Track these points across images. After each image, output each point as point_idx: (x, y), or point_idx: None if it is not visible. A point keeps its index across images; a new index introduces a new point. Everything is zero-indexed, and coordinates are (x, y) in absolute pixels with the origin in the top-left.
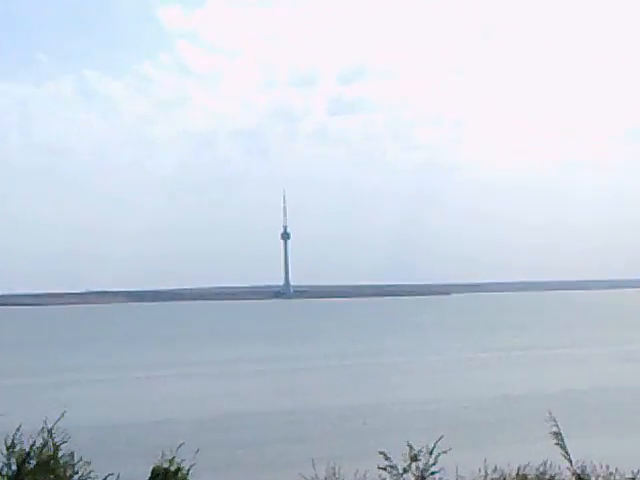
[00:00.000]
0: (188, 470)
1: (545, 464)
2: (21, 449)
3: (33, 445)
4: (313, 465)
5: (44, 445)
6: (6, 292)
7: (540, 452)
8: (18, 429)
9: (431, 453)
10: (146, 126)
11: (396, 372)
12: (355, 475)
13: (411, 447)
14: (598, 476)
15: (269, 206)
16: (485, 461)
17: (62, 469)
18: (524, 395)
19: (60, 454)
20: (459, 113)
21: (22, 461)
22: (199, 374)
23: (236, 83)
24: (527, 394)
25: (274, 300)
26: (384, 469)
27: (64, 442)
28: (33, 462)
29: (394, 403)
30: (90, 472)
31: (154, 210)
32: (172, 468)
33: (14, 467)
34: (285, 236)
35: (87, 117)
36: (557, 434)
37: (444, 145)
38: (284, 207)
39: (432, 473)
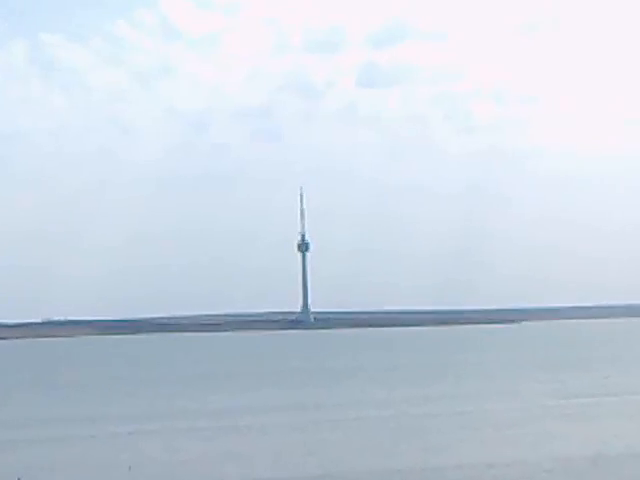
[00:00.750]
0: None
1: None
2: None
3: None
4: None
5: None
6: None
7: None
8: None
9: None
10: (121, 104)
11: (452, 426)
12: None
13: None
14: None
15: (282, 208)
16: None
17: None
18: (622, 455)
19: None
20: (529, 85)
21: None
22: (193, 429)
23: (237, 49)
24: (625, 453)
25: (288, 331)
26: None
27: None
28: None
29: (449, 467)
30: None
31: (131, 214)
32: None
33: None
34: (303, 247)
35: (44, 93)
36: None
37: (510, 127)
38: (302, 209)
39: None
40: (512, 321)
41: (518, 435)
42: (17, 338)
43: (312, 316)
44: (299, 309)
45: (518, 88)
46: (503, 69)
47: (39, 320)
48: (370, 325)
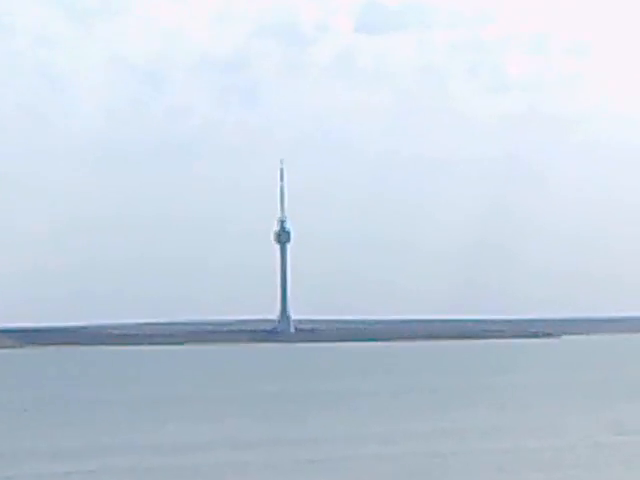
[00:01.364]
0: None
1: None
2: None
3: None
4: None
5: None
6: None
7: None
8: None
9: None
10: (51, 52)
11: (476, 468)
12: None
13: None
14: None
15: (257, 187)
16: None
17: None
18: None
19: None
20: (577, 32)
21: None
22: (141, 469)
23: None
24: None
25: (263, 344)
26: None
27: None
28: None
29: None
30: None
31: (63, 195)
32: None
33: None
34: (283, 237)
35: None
36: None
37: (552, 85)
38: (281, 187)
39: None
40: (550, 334)
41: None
42: None
43: (293, 325)
44: (276, 316)
45: (563, 35)
46: (544, 10)
47: None
48: (367, 338)
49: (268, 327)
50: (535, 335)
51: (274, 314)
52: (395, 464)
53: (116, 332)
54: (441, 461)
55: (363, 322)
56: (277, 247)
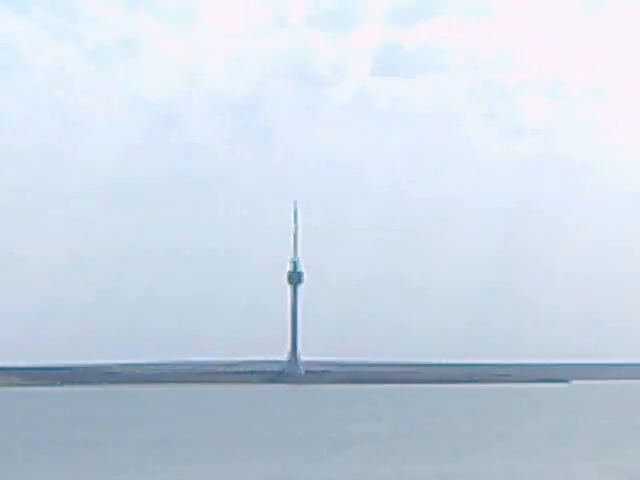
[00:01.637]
0: None
1: None
2: None
3: None
4: None
5: None
6: None
7: None
8: None
9: None
10: (68, 90)
11: None
12: None
13: None
14: None
15: (270, 227)
16: None
17: None
18: None
19: None
20: (594, 77)
21: None
22: None
23: (220, 22)
24: None
25: (272, 385)
26: None
27: None
28: None
29: None
30: None
31: (76, 231)
32: None
33: None
34: (295, 277)
35: None
36: None
37: (567, 129)
38: (295, 229)
39: None
40: (560, 380)
41: None
42: None
43: (302, 367)
44: (286, 358)
45: (580, 80)
46: (561, 55)
47: None
48: (377, 381)
49: (278, 368)
50: (545, 380)
51: (284, 356)
52: None
53: (124, 371)
54: None
55: (373, 365)
56: (289, 288)
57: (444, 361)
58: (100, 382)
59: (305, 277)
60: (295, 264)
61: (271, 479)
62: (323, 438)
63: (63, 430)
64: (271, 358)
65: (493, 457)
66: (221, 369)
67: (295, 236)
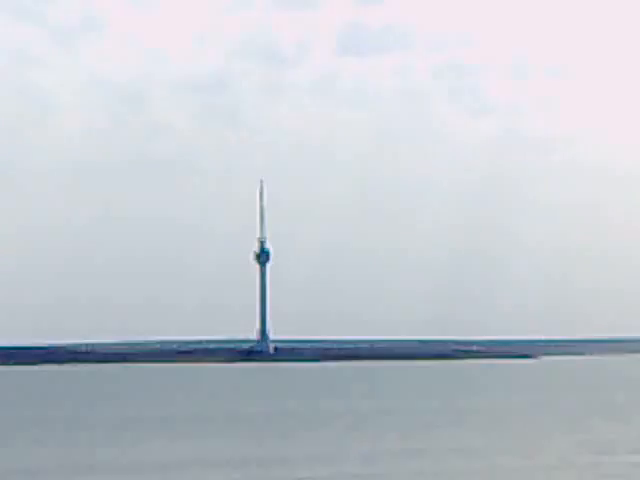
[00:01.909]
0: None
1: None
2: None
3: None
4: None
5: None
6: None
7: None
8: None
9: None
10: (31, 71)
11: None
12: None
13: None
14: None
15: (236, 206)
16: None
17: None
18: None
19: None
20: (557, 55)
21: None
22: None
23: (184, 0)
24: None
25: (241, 364)
26: None
27: None
28: None
29: None
30: None
31: (40, 210)
32: None
33: None
34: (262, 257)
35: None
36: None
37: (532, 108)
38: (261, 207)
39: None
40: (528, 356)
41: None
42: None
43: (272, 345)
44: (255, 336)
45: (542, 58)
46: (523, 34)
47: None
48: (346, 358)
49: (247, 347)
50: (512, 356)
51: (253, 334)
52: None
53: (94, 351)
54: None
55: (343, 342)
56: (257, 267)
57: (413, 337)
58: (69, 361)
59: (272, 256)
60: (262, 243)
61: (248, 457)
62: (295, 416)
63: (37, 409)
64: (240, 337)
65: (463, 433)
66: (190, 348)
67: (262, 215)
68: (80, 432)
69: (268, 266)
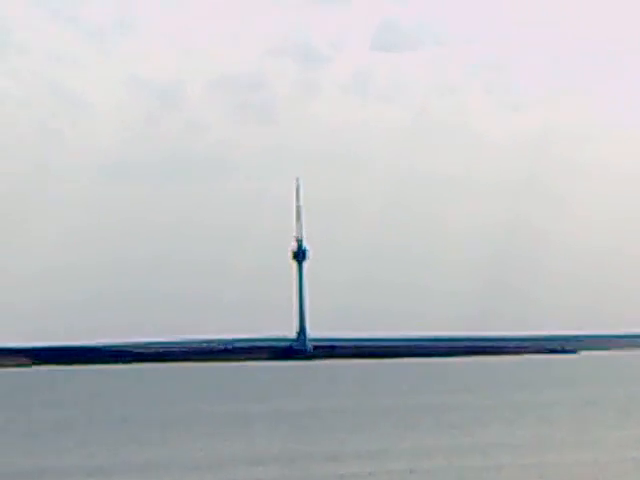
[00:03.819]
0: None
1: None
2: None
3: None
4: None
5: None
6: None
7: None
8: None
9: None
10: (65, 71)
11: None
12: None
13: None
14: None
15: (273, 205)
16: None
17: None
18: None
19: None
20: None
21: None
22: None
23: (218, 0)
24: None
25: (280, 362)
26: None
27: None
28: None
29: None
30: None
31: (76, 211)
32: None
33: None
34: (299, 255)
35: None
36: None
37: (574, 104)
38: (298, 207)
39: None
40: (568, 351)
41: None
42: None
43: (310, 343)
44: (294, 334)
45: (577, 52)
46: (559, 27)
47: None
48: (385, 355)
49: (285, 345)
50: (553, 351)
51: (292, 332)
52: (421, 479)
53: (133, 350)
54: (472, 476)
55: (381, 340)
56: (294, 265)
57: (452, 334)
58: (110, 361)
59: (310, 254)
60: (299, 242)
61: (291, 454)
62: (333, 412)
63: (72, 407)
64: (278, 335)
65: (516, 429)
66: (229, 346)
67: (298, 213)
68: (122, 432)
69: (305, 264)
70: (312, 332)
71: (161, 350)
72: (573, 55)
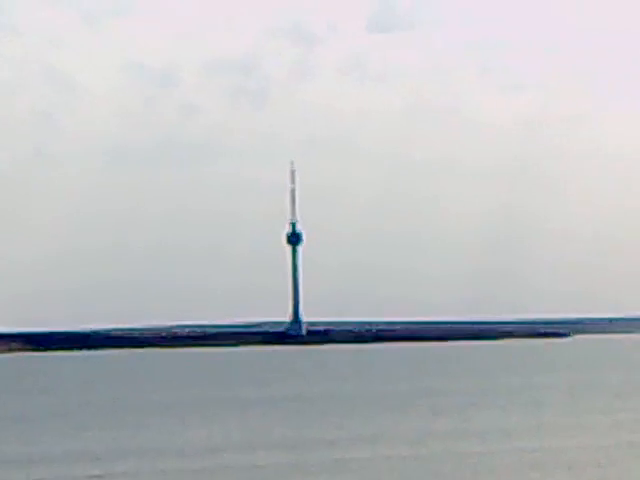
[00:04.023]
0: None
1: None
2: None
3: None
4: None
5: None
6: None
7: None
8: None
9: None
10: (60, 54)
11: (510, 466)
12: None
13: None
14: None
15: (267, 188)
16: None
17: None
18: None
19: None
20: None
21: None
22: (167, 471)
23: None
24: None
25: (275, 347)
26: None
27: None
28: None
29: None
30: None
31: (73, 195)
32: None
33: None
34: (294, 239)
35: None
36: None
37: (564, 85)
38: (292, 190)
39: None
40: (562, 335)
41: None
42: None
43: (305, 327)
44: (288, 318)
45: (574, 35)
46: (555, 11)
47: None
48: (380, 339)
49: (280, 329)
50: (547, 334)
51: (286, 316)
52: (418, 464)
53: (125, 335)
54: (466, 461)
55: (376, 324)
56: (288, 249)
57: (445, 319)
58: (102, 346)
59: (304, 238)
60: (293, 225)
61: (288, 438)
62: (327, 397)
63: (70, 392)
64: (273, 319)
65: (511, 413)
66: (222, 331)
67: (293, 197)
68: (117, 416)
69: (300, 248)
70: (306, 317)
71: (157, 335)
72: (569, 38)
